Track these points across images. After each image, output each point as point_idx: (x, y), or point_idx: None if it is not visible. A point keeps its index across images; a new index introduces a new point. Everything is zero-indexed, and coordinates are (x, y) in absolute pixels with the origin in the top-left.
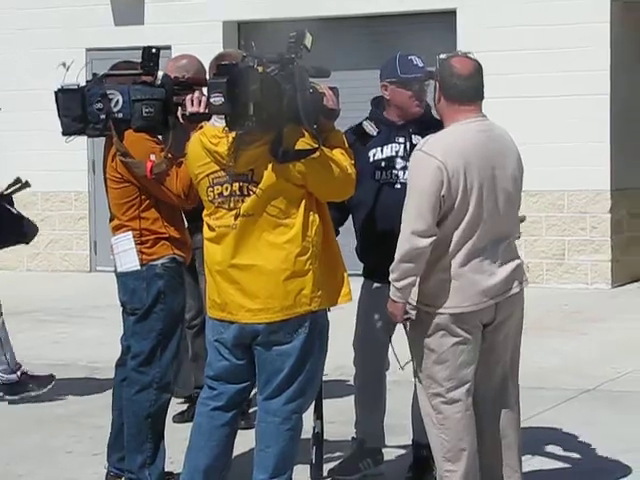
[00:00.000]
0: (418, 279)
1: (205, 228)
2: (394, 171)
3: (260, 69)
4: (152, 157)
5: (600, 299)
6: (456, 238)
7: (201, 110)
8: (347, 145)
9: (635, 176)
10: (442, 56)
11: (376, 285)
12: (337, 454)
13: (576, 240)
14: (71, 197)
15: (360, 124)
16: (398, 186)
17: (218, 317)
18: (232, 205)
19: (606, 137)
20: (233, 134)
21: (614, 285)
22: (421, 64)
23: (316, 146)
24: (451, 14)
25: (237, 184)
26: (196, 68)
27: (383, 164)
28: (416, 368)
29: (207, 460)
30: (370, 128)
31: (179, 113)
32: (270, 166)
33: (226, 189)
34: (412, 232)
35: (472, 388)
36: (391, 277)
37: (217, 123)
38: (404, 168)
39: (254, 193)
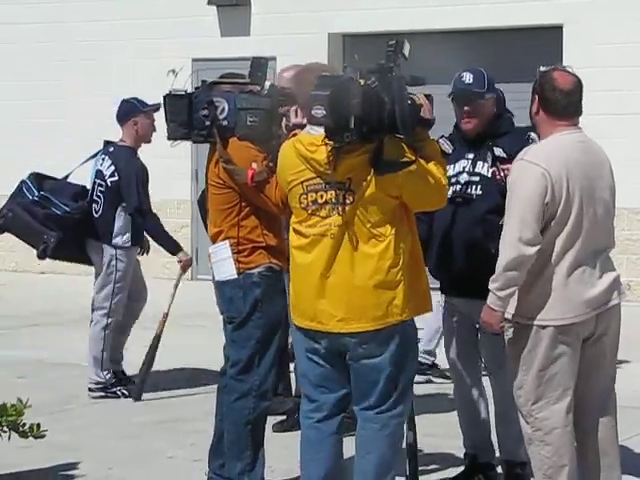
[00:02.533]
0: (517, 291)
1: (293, 235)
2: (458, 186)
3: (362, 82)
4: (254, 165)
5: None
6: (558, 248)
7: (304, 122)
8: (441, 155)
9: None
10: (542, 69)
11: (453, 300)
12: (432, 466)
13: (635, 258)
14: (174, 205)
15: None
16: (459, 200)
17: (308, 326)
18: (327, 213)
19: None
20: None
21: None
22: (469, 80)
23: (413, 158)
24: (557, 29)
25: (333, 192)
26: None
27: (452, 180)
28: (514, 384)
29: (321, 472)
30: (446, 146)
31: (283, 123)
32: (368, 176)
33: (321, 197)
34: (519, 240)
35: (572, 404)
36: (493, 286)
37: (313, 131)
38: (467, 183)
39: (351, 202)
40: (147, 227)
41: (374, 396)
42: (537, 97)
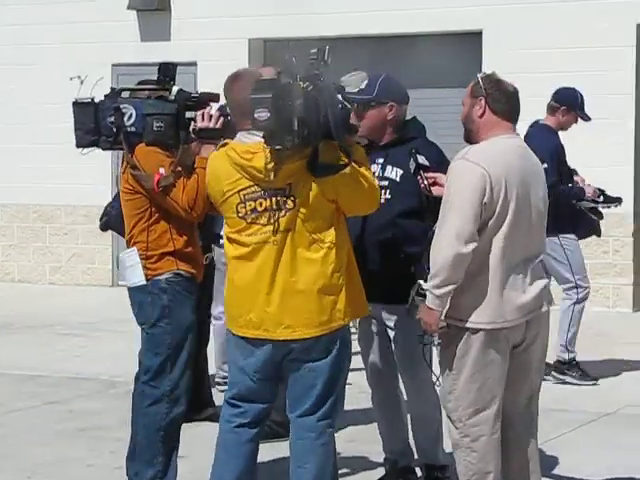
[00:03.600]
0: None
1: (231, 246)
2: None
3: (301, 84)
4: (161, 170)
5: (622, 322)
6: (493, 251)
7: (211, 125)
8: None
9: None
10: (484, 73)
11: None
12: (356, 472)
13: (599, 263)
14: (94, 212)
15: None
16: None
17: (252, 335)
18: (267, 220)
19: (630, 160)
20: (270, 148)
21: (636, 309)
22: (362, 86)
23: (347, 161)
24: (477, 35)
25: (274, 199)
26: None
27: None
28: (444, 389)
29: (233, 476)
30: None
31: (191, 128)
32: (307, 181)
33: (260, 204)
34: (457, 238)
35: (500, 410)
36: (431, 284)
37: (245, 139)
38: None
39: (291, 208)
40: None
41: (310, 401)
42: (484, 99)
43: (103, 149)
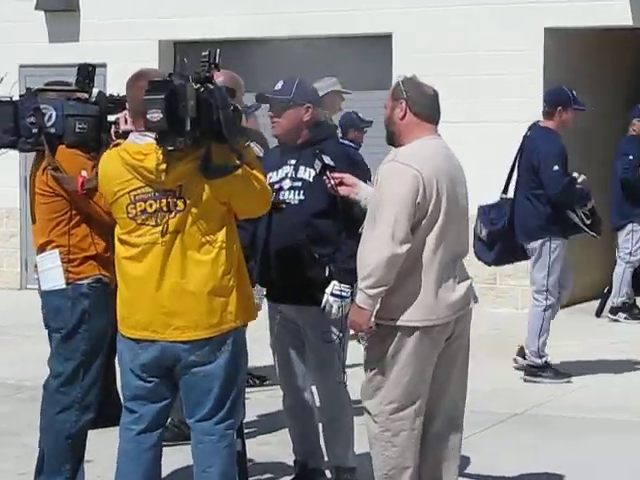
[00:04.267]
0: None
1: (121, 247)
2: (282, 192)
3: (193, 85)
4: (83, 173)
5: None
6: (426, 250)
7: (134, 128)
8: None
9: None
10: (404, 76)
11: (279, 306)
12: (267, 476)
13: (507, 266)
14: (2, 214)
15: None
16: (283, 206)
17: (141, 337)
18: (158, 221)
19: None
20: (162, 149)
21: None
22: (279, 87)
23: (239, 163)
24: (387, 38)
25: (164, 200)
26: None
27: (276, 186)
28: (370, 385)
29: None
30: (256, 149)
31: (112, 130)
32: (198, 182)
33: (150, 205)
34: (391, 238)
35: (424, 406)
36: (363, 284)
37: (138, 140)
38: (290, 188)
39: (182, 209)
40: None
41: (208, 405)
42: (404, 101)
43: (21, 151)
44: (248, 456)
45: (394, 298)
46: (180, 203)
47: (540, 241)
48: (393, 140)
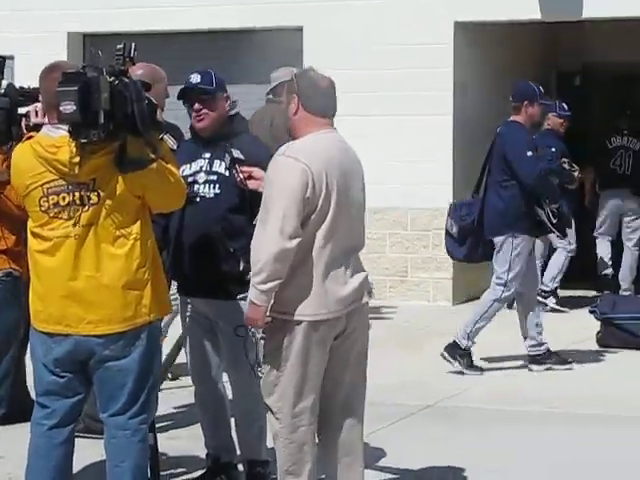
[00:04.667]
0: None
1: (33, 240)
2: (197, 185)
3: (107, 78)
4: None
5: (441, 316)
6: (316, 244)
7: (45, 121)
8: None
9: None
10: (297, 70)
11: (190, 300)
12: (179, 470)
13: (419, 257)
14: None
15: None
16: (197, 199)
17: (54, 330)
18: (71, 214)
19: (449, 156)
20: (75, 142)
21: (455, 302)
22: (196, 80)
23: (154, 157)
24: (297, 31)
25: (77, 193)
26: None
27: (190, 180)
28: (267, 380)
29: None
30: (170, 142)
31: (23, 123)
32: (112, 176)
33: (63, 199)
34: (280, 233)
35: (318, 401)
36: (255, 280)
37: (52, 133)
38: (206, 182)
39: (95, 202)
40: None
41: (122, 400)
42: (297, 97)
43: None
44: (160, 450)
45: (286, 292)
46: (94, 196)
47: (504, 236)
48: (291, 134)
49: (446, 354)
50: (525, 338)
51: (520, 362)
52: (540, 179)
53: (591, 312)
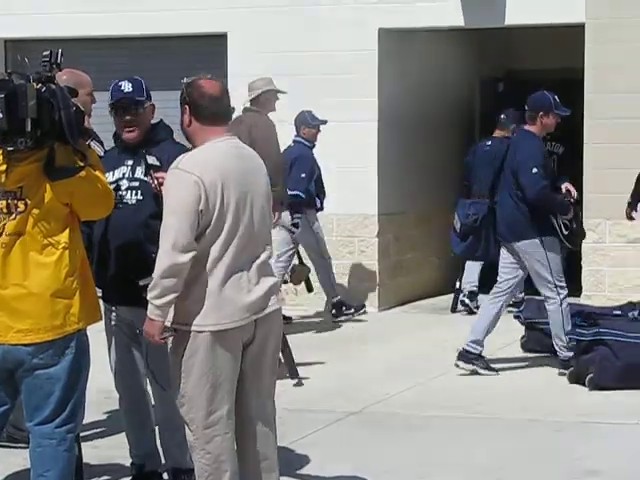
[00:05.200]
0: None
1: None
2: (120, 192)
3: (34, 85)
4: None
5: (368, 323)
6: (214, 254)
7: None
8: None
9: (400, 201)
10: (187, 79)
11: (114, 308)
12: (104, 479)
13: (344, 264)
14: None
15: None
16: (120, 206)
17: None
18: None
19: (374, 163)
20: (1, 150)
21: (381, 309)
22: (128, 89)
23: (82, 164)
24: (222, 37)
25: (4, 201)
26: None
27: (113, 187)
28: (176, 392)
29: None
30: (97, 149)
31: None
32: (40, 184)
33: None
34: (172, 248)
35: (233, 409)
36: (150, 295)
37: None
38: (128, 189)
39: (22, 210)
40: None
41: (49, 408)
42: (187, 107)
43: None
44: (84, 459)
45: (187, 303)
46: (21, 204)
47: (529, 240)
48: (190, 144)
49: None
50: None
51: (446, 368)
52: (541, 196)
53: (515, 317)
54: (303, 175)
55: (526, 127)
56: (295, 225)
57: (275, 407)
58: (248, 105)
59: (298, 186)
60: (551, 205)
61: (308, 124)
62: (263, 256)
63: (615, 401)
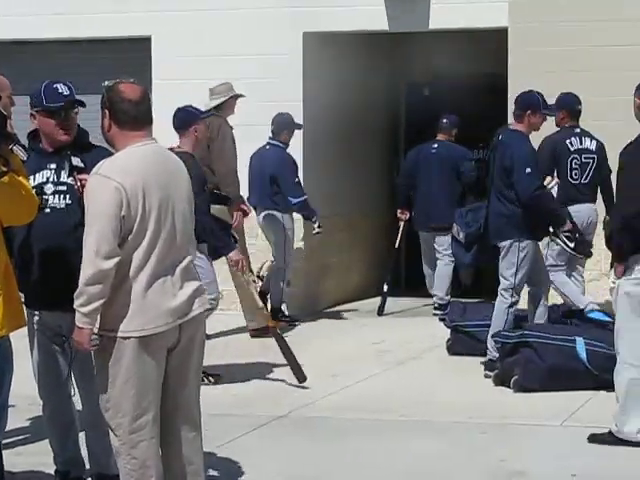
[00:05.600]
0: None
1: None
2: (44, 196)
3: None
4: None
5: (293, 326)
6: (137, 259)
7: None
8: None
9: (325, 205)
10: (107, 83)
11: (38, 312)
12: None
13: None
14: None
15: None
16: (48, 210)
17: None
18: None
19: (299, 167)
20: None
21: (306, 312)
22: (67, 92)
23: (5, 170)
24: (147, 41)
25: None
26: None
27: (35, 191)
28: (103, 397)
29: None
30: (21, 154)
31: None
32: None
33: None
34: (96, 255)
35: (158, 415)
36: (76, 303)
37: None
38: (55, 193)
39: None
40: None
41: None
42: (107, 111)
43: None
44: (6, 467)
45: (111, 309)
46: None
47: (509, 241)
48: (112, 148)
49: (489, 373)
50: None
51: (372, 371)
52: (534, 199)
53: (441, 320)
54: (296, 180)
55: (512, 126)
56: (319, 226)
57: (200, 411)
58: (211, 109)
59: (297, 192)
60: (545, 206)
61: (292, 127)
62: (186, 260)
63: (540, 403)
